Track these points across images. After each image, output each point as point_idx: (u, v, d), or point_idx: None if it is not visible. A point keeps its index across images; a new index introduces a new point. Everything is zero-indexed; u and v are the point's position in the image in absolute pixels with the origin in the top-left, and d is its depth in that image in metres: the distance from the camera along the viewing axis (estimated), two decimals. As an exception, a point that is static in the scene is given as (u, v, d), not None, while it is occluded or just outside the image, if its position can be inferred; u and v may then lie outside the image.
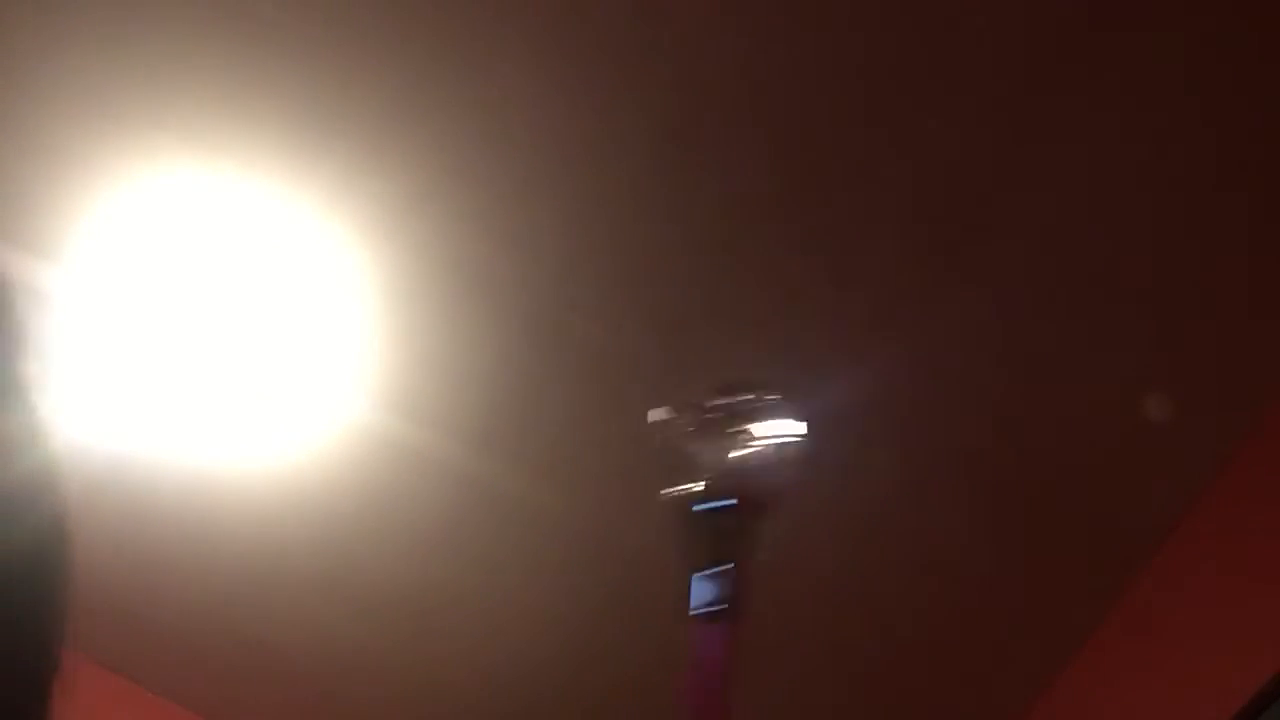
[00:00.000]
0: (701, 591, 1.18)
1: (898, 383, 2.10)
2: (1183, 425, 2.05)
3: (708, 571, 1.19)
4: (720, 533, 1.21)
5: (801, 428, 1.22)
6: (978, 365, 2.07)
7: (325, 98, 1.88)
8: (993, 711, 2.46)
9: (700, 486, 1.24)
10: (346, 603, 2.45)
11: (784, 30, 1.77)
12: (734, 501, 1.23)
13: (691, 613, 1.16)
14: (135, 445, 2.25)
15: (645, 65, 1.82)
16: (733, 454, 1.21)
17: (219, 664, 2.60)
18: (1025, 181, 1.86)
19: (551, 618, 2.49)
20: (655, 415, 1.33)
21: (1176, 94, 1.76)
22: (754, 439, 1.23)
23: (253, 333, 2.12)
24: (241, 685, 2.60)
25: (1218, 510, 2.05)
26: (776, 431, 1.23)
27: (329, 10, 1.80)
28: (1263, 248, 1.90)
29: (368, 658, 2.53)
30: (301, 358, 2.16)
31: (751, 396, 1.26)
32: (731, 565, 1.18)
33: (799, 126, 1.86)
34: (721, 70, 1.81)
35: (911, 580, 2.34)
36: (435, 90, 1.87)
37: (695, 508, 1.21)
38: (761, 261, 2.00)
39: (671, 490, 1.26)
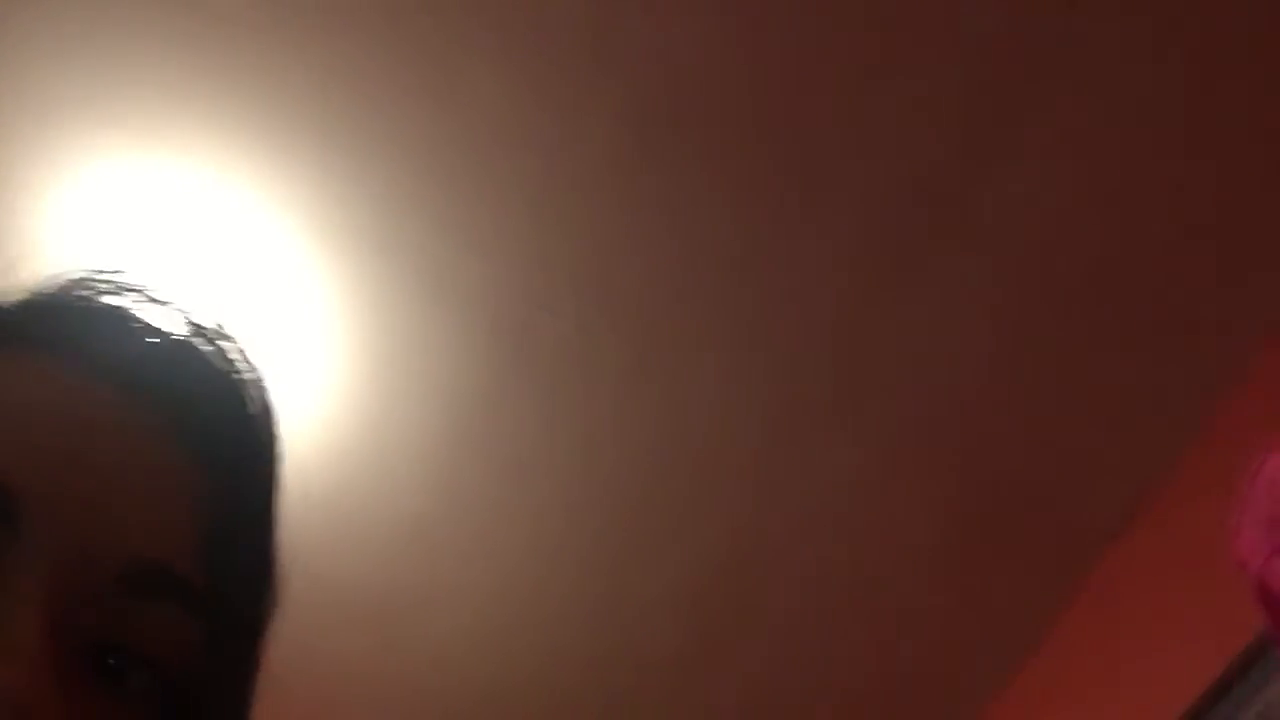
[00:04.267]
0: None
1: (867, 374, 2.12)
2: (1137, 421, 2.08)
3: None
4: None
5: None
6: (944, 358, 2.09)
7: (288, 99, 1.88)
8: (958, 702, 2.48)
9: None
10: (317, 609, 2.45)
11: (753, 24, 1.77)
12: None
13: None
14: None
15: (613, 62, 1.82)
16: None
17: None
18: (1003, 177, 1.88)
19: (525, 619, 2.49)
20: None
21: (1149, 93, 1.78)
22: None
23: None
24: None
25: (1170, 506, 2.08)
26: None
27: (293, 10, 1.80)
28: (1221, 250, 1.93)
29: (339, 663, 2.52)
30: (263, 359, 2.16)
31: None
32: None
33: (769, 120, 1.86)
34: (690, 67, 1.81)
35: (874, 576, 2.36)
36: (399, 90, 1.87)
37: None
38: (731, 256, 2.01)
39: None
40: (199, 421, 0.52)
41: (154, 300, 0.55)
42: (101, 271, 0.56)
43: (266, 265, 2.06)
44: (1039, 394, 2.11)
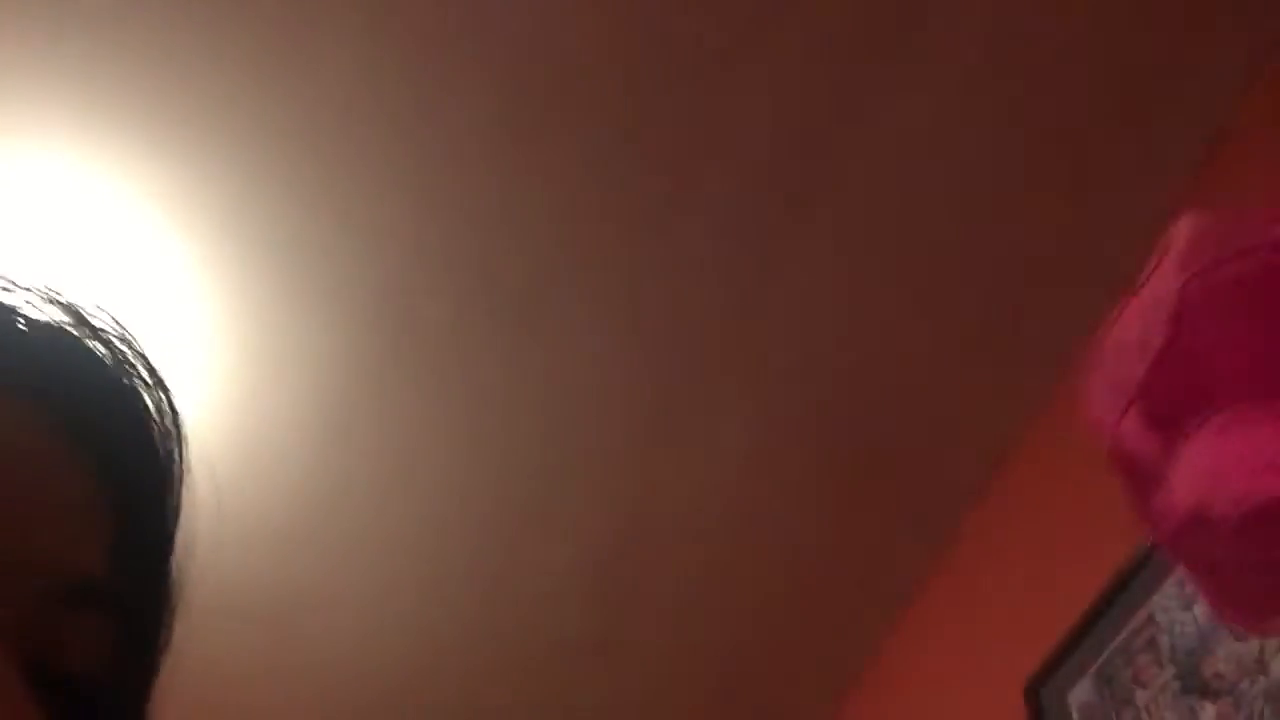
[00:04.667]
0: None
1: (742, 352, 2.17)
2: (998, 375, 2.16)
3: None
4: None
5: None
6: (812, 333, 2.16)
7: (147, 86, 1.86)
8: (832, 664, 2.55)
9: None
10: (206, 609, 2.40)
11: (624, 4, 1.81)
12: None
13: None
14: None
15: (482, 44, 1.84)
16: None
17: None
18: (869, 138, 1.93)
19: (416, 611, 2.48)
20: None
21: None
22: None
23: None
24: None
25: (1035, 450, 2.18)
26: None
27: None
28: (1072, 206, 2.01)
29: (226, 664, 2.46)
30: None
31: None
32: None
33: (641, 98, 1.90)
34: (558, 41, 1.84)
35: (761, 545, 2.42)
36: (263, 75, 1.86)
37: None
38: (608, 236, 2.04)
39: None
40: (98, 427, 0.51)
41: (50, 300, 0.53)
42: None
43: (129, 259, 2.01)
44: (904, 355, 2.18)
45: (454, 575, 2.43)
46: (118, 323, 0.54)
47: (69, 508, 0.49)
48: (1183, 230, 0.82)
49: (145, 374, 0.54)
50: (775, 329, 2.15)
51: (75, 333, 0.52)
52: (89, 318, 0.53)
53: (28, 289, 0.53)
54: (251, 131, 1.91)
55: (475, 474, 2.31)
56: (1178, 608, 1.72)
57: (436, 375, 2.19)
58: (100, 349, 0.53)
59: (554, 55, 1.86)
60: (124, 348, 0.54)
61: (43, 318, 0.52)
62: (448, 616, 2.48)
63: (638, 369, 2.20)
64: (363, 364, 2.17)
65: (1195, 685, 1.70)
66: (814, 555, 2.39)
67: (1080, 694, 1.91)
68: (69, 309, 0.53)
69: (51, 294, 0.53)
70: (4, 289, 0.52)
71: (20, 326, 0.51)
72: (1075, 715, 1.89)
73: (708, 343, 2.17)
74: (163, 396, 0.55)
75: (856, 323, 2.15)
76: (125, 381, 0.53)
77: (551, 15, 1.82)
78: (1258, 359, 0.75)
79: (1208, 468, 0.76)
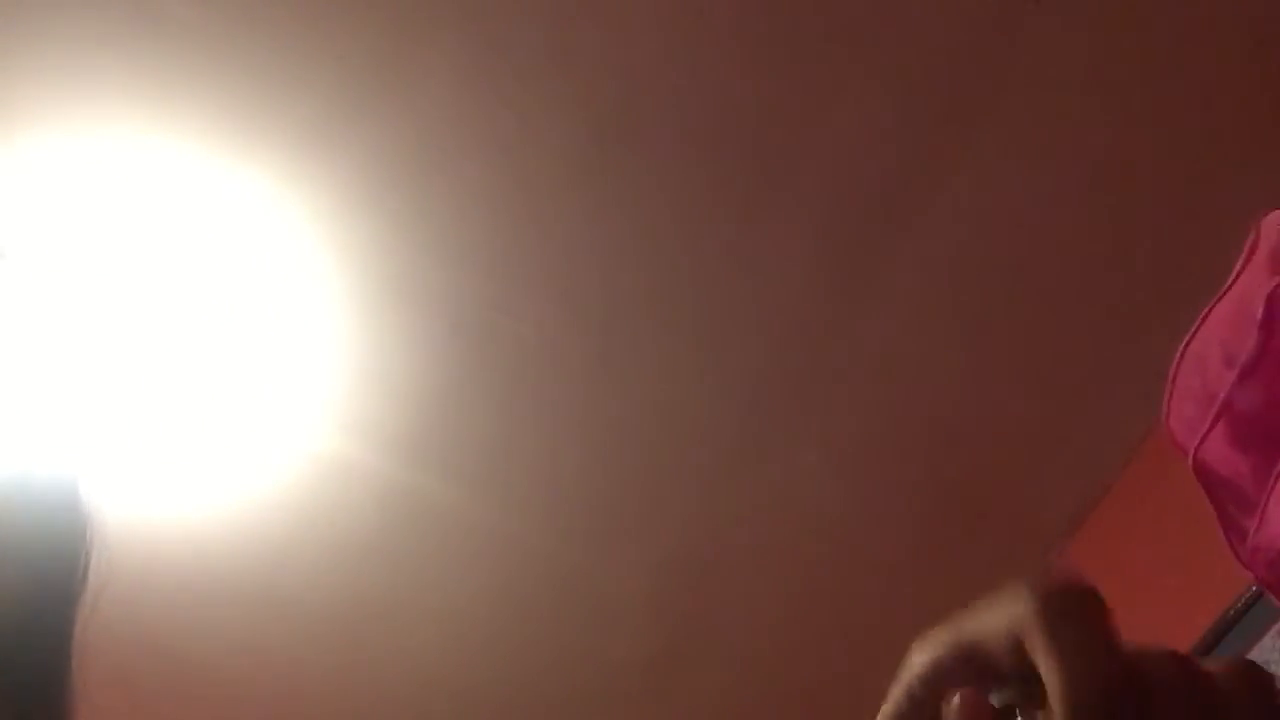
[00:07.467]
0: None
1: (826, 376, 2.13)
2: (1094, 417, 2.10)
3: None
4: None
5: None
6: (902, 358, 2.11)
7: (245, 108, 1.87)
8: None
9: None
10: (279, 618, 2.40)
11: (712, 34, 1.80)
12: None
13: None
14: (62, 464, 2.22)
15: (573, 66, 1.83)
16: None
17: (151, 687, 2.56)
18: (958, 167, 1.90)
19: (489, 626, 2.47)
20: None
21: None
22: None
23: (173, 344, 2.09)
24: (175, 708, 2.57)
25: (1126, 501, 2.11)
26: None
27: (247, 17, 1.79)
28: (1179, 237, 1.95)
29: (301, 671, 2.48)
30: (225, 371, 2.13)
31: None
32: None
33: (729, 127, 1.88)
34: (650, 73, 1.83)
35: (837, 575, 2.36)
36: (356, 97, 1.87)
37: None
38: (691, 259, 2.02)
39: None
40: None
41: None
42: None
43: (221, 277, 2.03)
44: (996, 390, 2.13)
45: (527, 594, 2.41)
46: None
47: None
48: (1274, 226, 0.74)
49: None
50: (863, 356, 2.11)
51: None
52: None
53: None
54: (343, 150, 1.92)
55: (547, 491, 2.29)
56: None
57: (513, 392, 2.18)
58: None
59: (641, 86, 1.84)
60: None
61: None
62: (517, 632, 2.47)
63: (716, 393, 2.16)
64: (441, 379, 2.16)
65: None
66: (892, 587, 2.34)
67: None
68: None
69: None
70: None
71: None
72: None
73: (788, 369, 2.13)
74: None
75: (948, 355, 2.10)
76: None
77: (640, 47, 1.81)
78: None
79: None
